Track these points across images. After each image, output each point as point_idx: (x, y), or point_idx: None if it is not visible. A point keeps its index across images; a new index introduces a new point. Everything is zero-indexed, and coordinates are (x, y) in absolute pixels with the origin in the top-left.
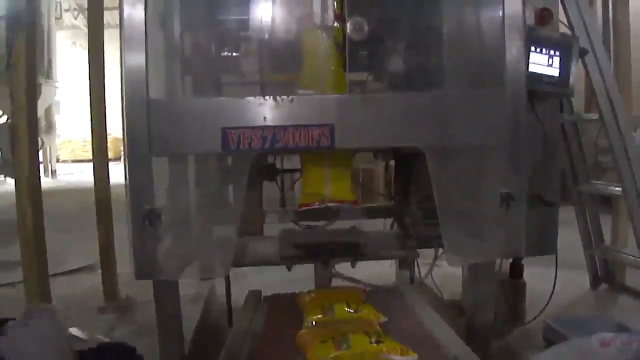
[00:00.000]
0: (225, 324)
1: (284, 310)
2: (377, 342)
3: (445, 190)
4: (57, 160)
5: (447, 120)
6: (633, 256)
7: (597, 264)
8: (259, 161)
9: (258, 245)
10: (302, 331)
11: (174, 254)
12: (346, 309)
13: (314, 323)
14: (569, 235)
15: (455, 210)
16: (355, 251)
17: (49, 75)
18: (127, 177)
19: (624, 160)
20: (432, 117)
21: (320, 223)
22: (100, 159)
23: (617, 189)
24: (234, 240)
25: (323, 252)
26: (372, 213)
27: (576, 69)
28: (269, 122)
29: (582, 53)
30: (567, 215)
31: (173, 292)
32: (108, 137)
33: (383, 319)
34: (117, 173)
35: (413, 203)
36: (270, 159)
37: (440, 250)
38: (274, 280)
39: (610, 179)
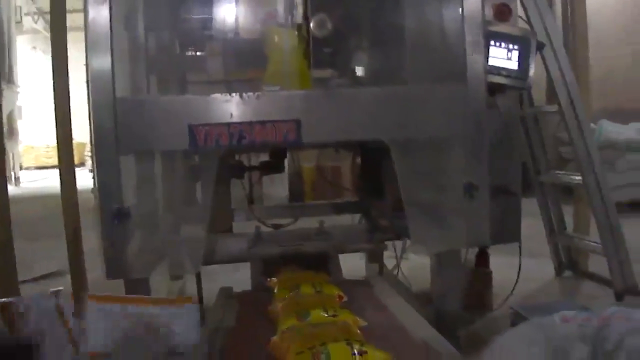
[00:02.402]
0: None
1: (256, 306)
2: (360, 353)
3: (410, 182)
4: (20, 168)
5: (410, 114)
6: (595, 242)
7: (561, 251)
8: (226, 159)
9: (228, 243)
10: (276, 338)
11: (144, 253)
12: (322, 313)
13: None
14: (533, 226)
15: (420, 202)
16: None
17: (10, 79)
18: (96, 176)
19: (582, 151)
20: (395, 111)
21: (288, 221)
22: (66, 163)
23: (577, 178)
24: (204, 237)
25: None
26: (340, 209)
27: (535, 62)
28: (235, 119)
29: (540, 46)
30: (530, 207)
31: (144, 292)
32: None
33: (344, 296)
34: (82, 178)
35: (379, 197)
36: (238, 157)
37: (408, 242)
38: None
39: (571, 170)
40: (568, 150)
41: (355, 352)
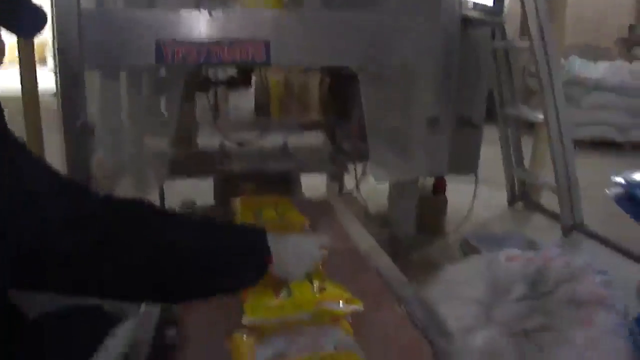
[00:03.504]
0: None
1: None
2: (321, 289)
3: (375, 110)
4: None
5: (381, 42)
6: (549, 179)
7: (516, 183)
8: (193, 73)
9: (192, 157)
10: None
11: (107, 167)
12: (274, 211)
13: None
14: (492, 153)
15: (383, 130)
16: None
17: None
18: (59, 90)
19: (548, 87)
20: (366, 38)
21: (252, 136)
22: (26, 63)
23: (540, 116)
24: (168, 151)
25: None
26: (304, 127)
27: None
28: (203, 37)
29: None
30: (492, 134)
31: None
32: None
33: (307, 223)
34: (43, 78)
35: (344, 119)
36: (204, 72)
37: (368, 165)
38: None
39: (536, 102)
40: (535, 82)
41: (316, 288)
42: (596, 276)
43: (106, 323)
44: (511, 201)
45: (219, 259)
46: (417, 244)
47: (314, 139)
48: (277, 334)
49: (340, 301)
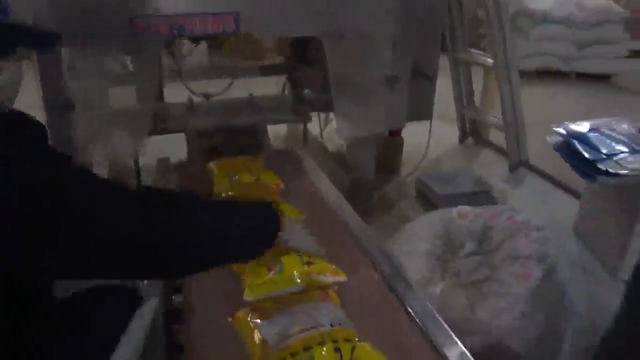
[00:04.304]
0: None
1: (195, 179)
2: (309, 263)
3: (339, 72)
4: None
5: (343, 9)
6: (497, 118)
7: (466, 121)
8: None
9: (163, 114)
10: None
11: (89, 136)
12: (249, 175)
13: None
14: (445, 87)
15: (347, 89)
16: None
17: None
18: (39, 68)
19: (497, 31)
20: (329, 6)
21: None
22: None
23: (489, 60)
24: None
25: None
26: (268, 71)
27: None
28: (177, 10)
29: None
30: (444, 61)
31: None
32: None
33: (281, 184)
34: None
35: (309, 72)
36: None
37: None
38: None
39: (486, 45)
40: (485, 30)
41: (304, 262)
42: (533, 233)
43: (134, 301)
44: (462, 138)
45: (233, 233)
46: (376, 184)
47: (275, 90)
48: (278, 312)
49: (327, 273)
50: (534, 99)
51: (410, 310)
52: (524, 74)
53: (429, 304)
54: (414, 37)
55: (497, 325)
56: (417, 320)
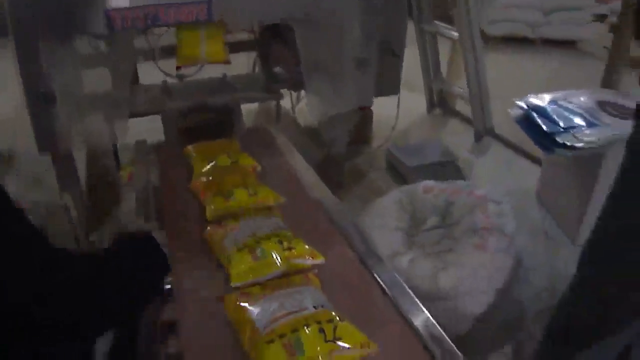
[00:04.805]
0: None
1: (173, 162)
2: (289, 248)
3: (309, 53)
4: None
5: None
6: (463, 89)
7: (434, 92)
8: None
9: (139, 97)
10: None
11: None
12: (227, 157)
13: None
14: (412, 56)
15: (317, 70)
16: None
17: None
18: (19, 62)
19: (462, 5)
20: None
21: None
22: None
23: (454, 33)
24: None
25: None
26: (238, 47)
27: None
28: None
29: None
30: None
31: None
32: None
33: (258, 167)
34: None
35: (280, 49)
36: None
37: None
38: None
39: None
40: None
41: (285, 247)
42: (491, 206)
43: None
44: (429, 108)
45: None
46: (347, 155)
47: (246, 68)
48: (265, 297)
49: (307, 256)
50: (500, 66)
51: (381, 283)
52: (491, 40)
53: (397, 276)
54: (382, 18)
55: (459, 293)
56: (387, 291)
